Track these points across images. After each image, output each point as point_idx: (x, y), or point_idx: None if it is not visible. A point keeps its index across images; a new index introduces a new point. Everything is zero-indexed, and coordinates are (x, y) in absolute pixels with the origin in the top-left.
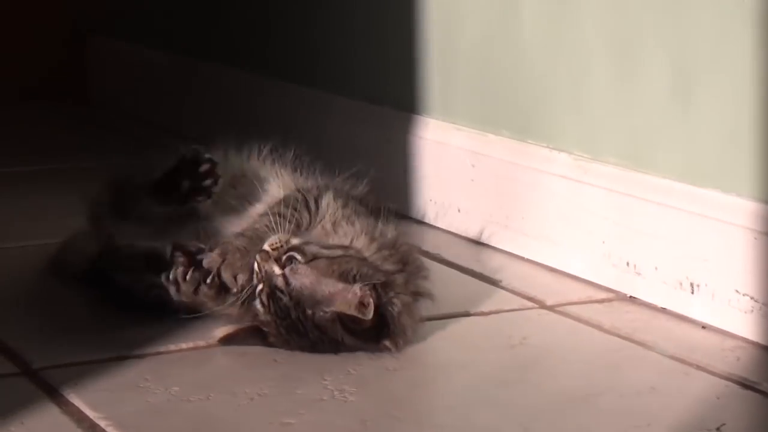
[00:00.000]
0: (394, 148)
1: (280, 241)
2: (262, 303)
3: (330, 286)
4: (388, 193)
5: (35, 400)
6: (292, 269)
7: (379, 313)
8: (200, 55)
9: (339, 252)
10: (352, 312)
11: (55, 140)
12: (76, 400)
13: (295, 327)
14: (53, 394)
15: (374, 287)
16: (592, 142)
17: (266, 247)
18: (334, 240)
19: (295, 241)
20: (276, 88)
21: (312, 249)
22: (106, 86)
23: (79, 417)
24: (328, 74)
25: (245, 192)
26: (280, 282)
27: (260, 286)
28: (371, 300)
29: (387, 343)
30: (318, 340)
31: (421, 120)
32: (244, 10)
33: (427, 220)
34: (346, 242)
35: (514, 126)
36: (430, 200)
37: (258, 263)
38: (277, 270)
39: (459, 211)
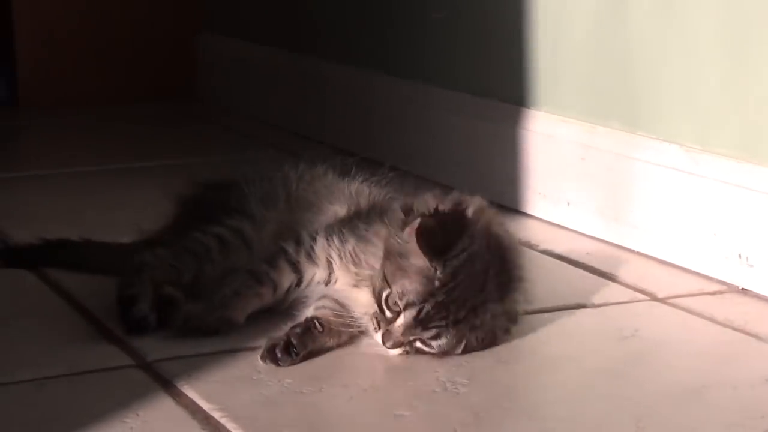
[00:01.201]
0: (502, 141)
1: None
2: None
3: None
4: (497, 186)
5: (150, 392)
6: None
7: None
8: (306, 51)
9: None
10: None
11: (164, 137)
12: (190, 391)
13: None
14: (167, 386)
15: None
16: (703, 133)
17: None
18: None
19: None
20: (382, 83)
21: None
22: (215, 83)
23: (193, 408)
24: (434, 67)
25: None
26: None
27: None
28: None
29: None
30: None
31: (529, 112)
32: (351, 5)
33: (536, 214)
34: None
35: (624, 117)
36: (539, 193)
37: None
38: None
39: (568, 204)
